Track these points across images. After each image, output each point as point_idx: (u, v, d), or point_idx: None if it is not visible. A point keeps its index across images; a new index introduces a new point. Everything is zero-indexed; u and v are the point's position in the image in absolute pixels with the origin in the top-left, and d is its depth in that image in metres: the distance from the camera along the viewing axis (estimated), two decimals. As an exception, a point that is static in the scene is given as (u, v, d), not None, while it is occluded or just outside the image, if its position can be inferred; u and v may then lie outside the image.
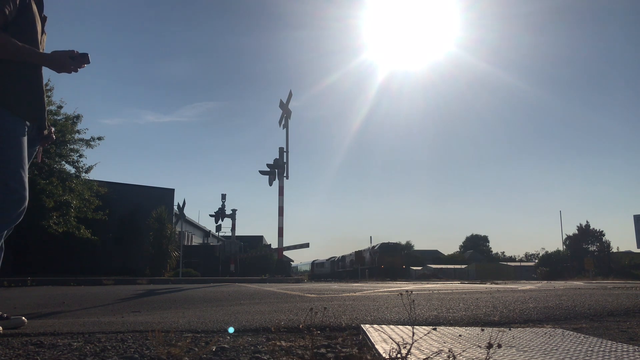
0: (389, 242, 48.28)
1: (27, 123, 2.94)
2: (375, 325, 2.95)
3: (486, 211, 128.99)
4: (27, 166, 2.90)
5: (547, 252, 56.59)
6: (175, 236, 28.19)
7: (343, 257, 58.99)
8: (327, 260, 66.74)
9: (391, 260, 45.15)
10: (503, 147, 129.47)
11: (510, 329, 2.78)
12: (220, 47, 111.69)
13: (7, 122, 2.81)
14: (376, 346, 2.19)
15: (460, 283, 17.91)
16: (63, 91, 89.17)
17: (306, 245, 27.67)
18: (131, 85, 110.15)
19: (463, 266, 60.60)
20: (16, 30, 2.86)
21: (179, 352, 2.18)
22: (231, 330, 2.97)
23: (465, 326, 3.05)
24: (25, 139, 2.91)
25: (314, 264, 72.56)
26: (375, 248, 48.23)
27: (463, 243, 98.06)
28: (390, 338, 2.39)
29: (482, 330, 2.72)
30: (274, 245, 30.33)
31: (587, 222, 52.00)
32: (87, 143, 22.33)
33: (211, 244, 44.50)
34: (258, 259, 35.13)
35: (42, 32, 3.11)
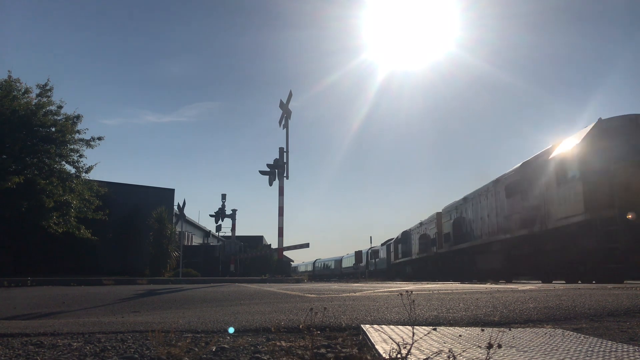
0: None
1: None
2: (375, 326, 2.94)
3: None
4: None
5: (547, 252, 56.40)
6: (175, 236, 28.18)
7: (404, 234, 35.03)
8: (382, 245, 44.88)
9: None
10: (503, 146, 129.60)
11: (510, 329, 2.77)
12: (220, 47, 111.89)
13: None
14: (376, 346, 2.19)
15: (460, 283, 17.90)
16: (63, 91, 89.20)
17: (306, 245, 27.71)
18: (131, 85, 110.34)
19: (463, 266, 59.95)
20: None
21: (179, 352, 2.17)
22: (231, 330, 2.97)
23: (465, 326, 3.05)
24: None
25: (369, 252, 47.25)
26: (509, 174, 18.65)
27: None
28: (390, 338, 2.39)
29: (482, 330, 2.72)
30: (274, 245, 30.38)
31: (587, 222, 51.82)
32: (87, 143, 22.33)
33: (211, 244, 44.45)
34: (258, 259, 35.10)
35: None
